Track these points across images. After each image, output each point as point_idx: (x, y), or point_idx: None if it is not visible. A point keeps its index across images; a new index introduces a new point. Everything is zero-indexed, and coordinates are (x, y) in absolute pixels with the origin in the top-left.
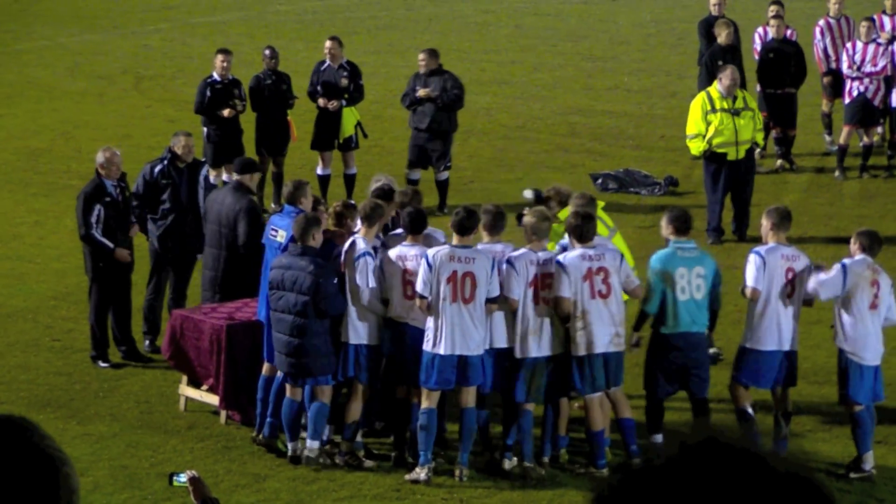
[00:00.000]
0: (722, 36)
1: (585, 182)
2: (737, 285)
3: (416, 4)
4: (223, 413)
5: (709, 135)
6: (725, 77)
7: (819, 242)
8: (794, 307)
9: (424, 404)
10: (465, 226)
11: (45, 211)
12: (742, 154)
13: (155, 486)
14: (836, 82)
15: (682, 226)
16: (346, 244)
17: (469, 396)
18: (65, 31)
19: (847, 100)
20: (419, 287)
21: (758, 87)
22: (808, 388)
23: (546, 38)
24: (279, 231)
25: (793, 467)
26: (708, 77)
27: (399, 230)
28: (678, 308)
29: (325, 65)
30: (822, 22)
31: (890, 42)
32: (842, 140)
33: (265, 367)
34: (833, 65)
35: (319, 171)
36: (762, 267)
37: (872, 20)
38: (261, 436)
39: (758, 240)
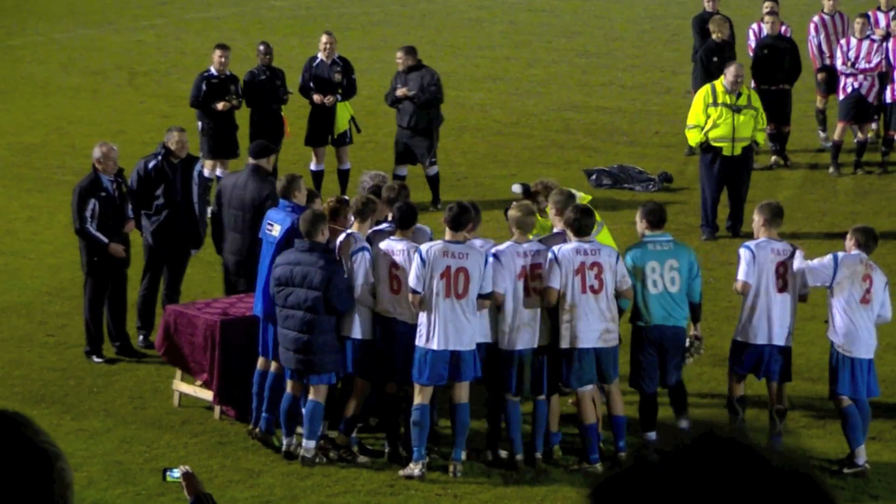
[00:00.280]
0: (716, 32)
1: (579, 178)
2: (731, 281)
3: (410, 0)
4: (217, 408)
5: (707, 127)
6: (730, 72)
7: (813, 238)
8: (787, 302)
9: (417, 400)
10: (459, 221)
11: (38, 206)
12: (738, 151)
13: (149, 481)
14: (830, 79)
15: (656, 220)
16: (341, 239)
17: (462, 392)
18: (59, 27)
19: (841, 96)
20: (412, 282)
21: (752, 84)
22: (803, 384)
23: (540, 34)
24: (275, 225)
25: (791, 463)
26: (703, 73)
27: (382, 225)
28: (650, 302)
29: (318, 60)
30: (816, 18)
31: (884, 38)
32: (836, 136)
33: (260, 361)
34: (827, 61)
35: (313, 167)
36: (752, 261)
37: (867, 16)
38: (257, 430)
39: (752, 236)
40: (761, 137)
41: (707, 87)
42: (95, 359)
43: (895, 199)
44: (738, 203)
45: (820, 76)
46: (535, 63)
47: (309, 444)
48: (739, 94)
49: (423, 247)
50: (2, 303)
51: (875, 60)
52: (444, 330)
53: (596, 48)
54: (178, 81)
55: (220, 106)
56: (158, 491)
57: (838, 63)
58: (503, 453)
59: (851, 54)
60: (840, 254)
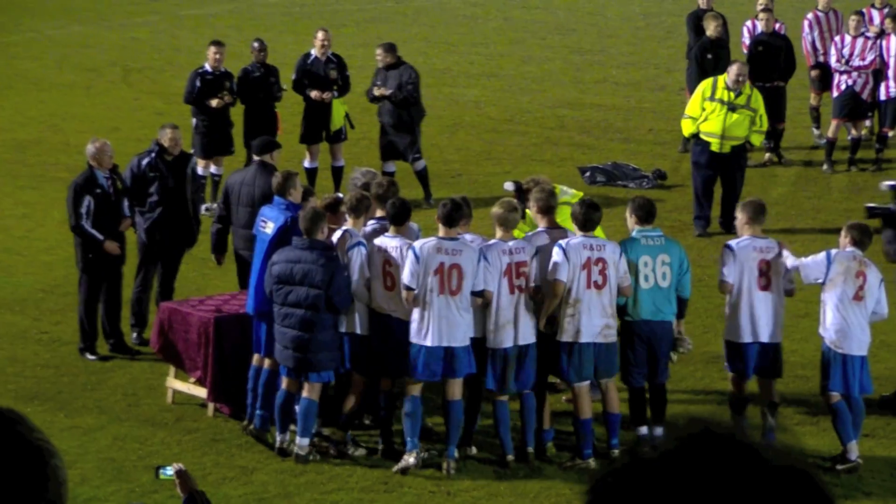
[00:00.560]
0: (710, 29)
1: (573, 175)
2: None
3: None
4: (211, 406)
5: (699, 120)
6: (733, 70)
7: (807, 235)
8: (772, 299)
9: (409, 392)
10: (452, 217)
11: (32, 203)
12: (727, 149)
13: (142, 478)
14: (824, 76)
15: (645, 215)
16: (338, 235)
17: (456, 388)
18: (53, 24)
19: (835, 93)
20: (406, 279)
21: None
22: (796, 381)
23: (535, 31)
24: (268, 222)
25: (788, 460)
26: (697, 70)
27: (370, 222)
28: (640, 296)
29: (312, 57)
30: (810, 15)
31: (878, 36)
32: (830, 133)
33: (255, 357)
34: (821, 58)
35: (307, 164)
36: (733, 260)
37: (861, 14)
38: (251, 426)
39: None
40: (757, 139)
41: (710, 80)
42: (89, 356)
43: (889, 197)
44: (732, 202)
45: (814, 73)
46: (529, 60)
47: (303, 442)
48: (740, 93)
49: (417, 244)
50: None
51: (869, 58)
52: (438, 326)
53: (590, 45)
54: (172, 78)
55: (213, 103)
56: (152, 488)
57: (832, 60)
58: (474, 450)
59: (846, 51)
60: (833, 251)
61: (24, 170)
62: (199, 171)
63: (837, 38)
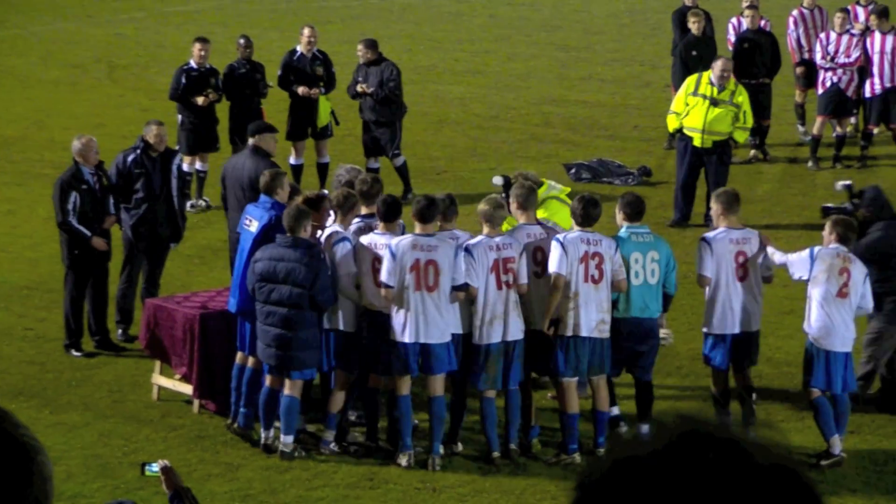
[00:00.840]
0: (695, 26)
1: (559, 172)
2: None
3: None
4: (196, 402)
5: (682, 115)
6: (717, 66)
7: (792, 231)
8: (749, 289)
9: (399, 391)
10: (426, 214)
11: (17, 200)
12: (708, 144)
13: (127, 475)
14: (809, 73)
15: (634, 211)
16: (326, 233)
17: (437, 385)
18: (38, 20)
19: (820, 90)
20: (383, 277)
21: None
22: (781, 378)
23: (520, 27)
24: (252, 221)
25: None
26: (682, 67)
27: (355, 220)
28: (630, 292)
29: (298, 53)
30: (795, 12)
31: (863, 33)
32: (815, 130)
33: (238, 355)
34: (806, 55)
35: (292, 160)
36: (710, 254)
37: (847, 11)
38: (236, 424)
39: None
40: (741, 136)
41: (695, 76)
42: (74, 353)
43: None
44: None
45: (799, 70)
46: (514, 57)
47: (287, 440)
48: (723, 89)
49: (393, 241)
50: None
51: (854, 55)
52: (415, 323)
53: (576, 42)
54: (157, 75)
55: (199, 100)
56: (137, 485)
57: (817, 57)
58: (459, 446)
59: (831, 48)
60: (817, 248)
61: (8, 166)
62: (185, 167)
63: (823, 35)
